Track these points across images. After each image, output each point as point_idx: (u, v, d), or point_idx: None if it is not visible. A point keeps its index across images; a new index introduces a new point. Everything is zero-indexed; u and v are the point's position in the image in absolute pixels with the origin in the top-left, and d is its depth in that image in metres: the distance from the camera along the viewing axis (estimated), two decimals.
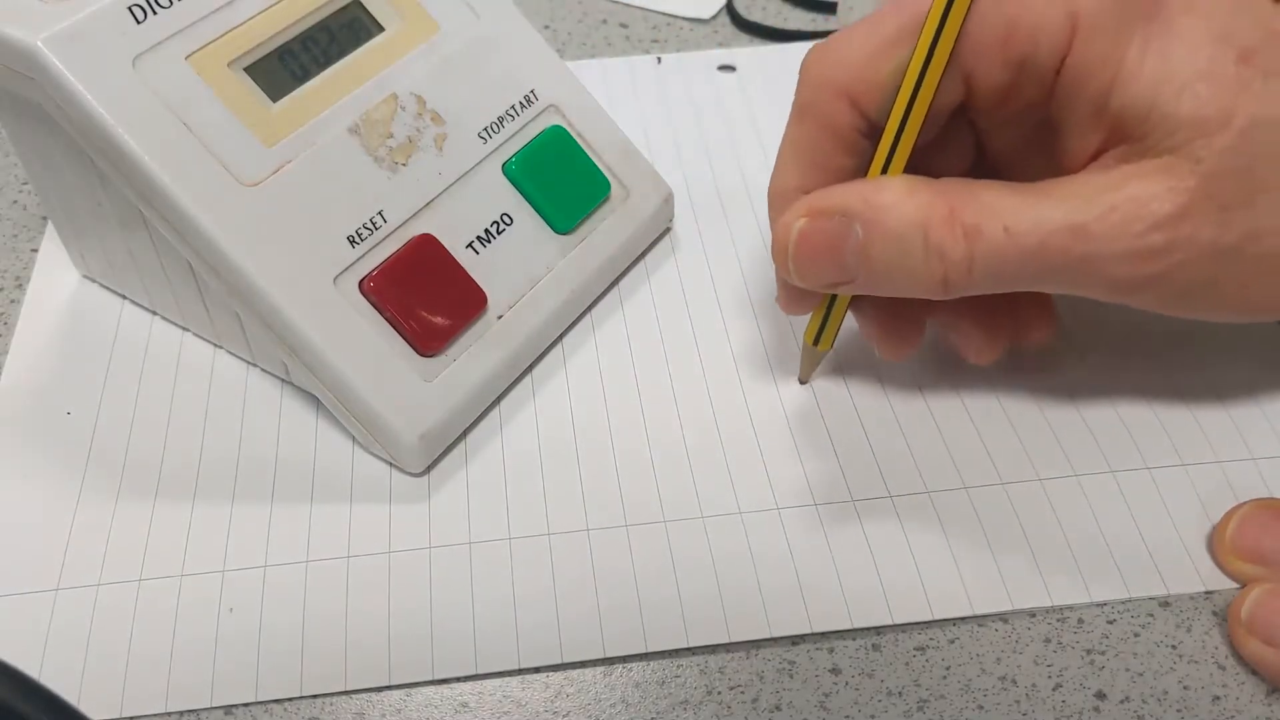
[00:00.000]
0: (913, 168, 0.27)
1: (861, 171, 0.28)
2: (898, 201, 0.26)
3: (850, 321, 0.31)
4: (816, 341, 0.30)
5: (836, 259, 0.26)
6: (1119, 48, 0.25)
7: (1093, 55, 0.25)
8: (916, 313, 0.30)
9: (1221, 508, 0.28)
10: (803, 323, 0.34)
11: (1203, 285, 0.25)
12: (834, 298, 0.29)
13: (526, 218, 0.33)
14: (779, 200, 0.29)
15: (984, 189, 0.25)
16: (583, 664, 0.26)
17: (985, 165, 0.30)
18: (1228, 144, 0.24)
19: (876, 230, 0.26)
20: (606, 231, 0.34)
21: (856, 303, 0.30)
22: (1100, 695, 0.25)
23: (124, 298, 0.35)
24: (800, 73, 0.28)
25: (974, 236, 0.25)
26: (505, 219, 0.32)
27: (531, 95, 0.34)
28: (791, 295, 0.30)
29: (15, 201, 0.40)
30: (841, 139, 0.28)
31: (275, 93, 0.30)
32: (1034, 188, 0.25)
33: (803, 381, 0.32)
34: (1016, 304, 0.30)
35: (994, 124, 0.29)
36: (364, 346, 0.29)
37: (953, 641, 0.27)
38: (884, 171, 0.27)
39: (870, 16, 0.28)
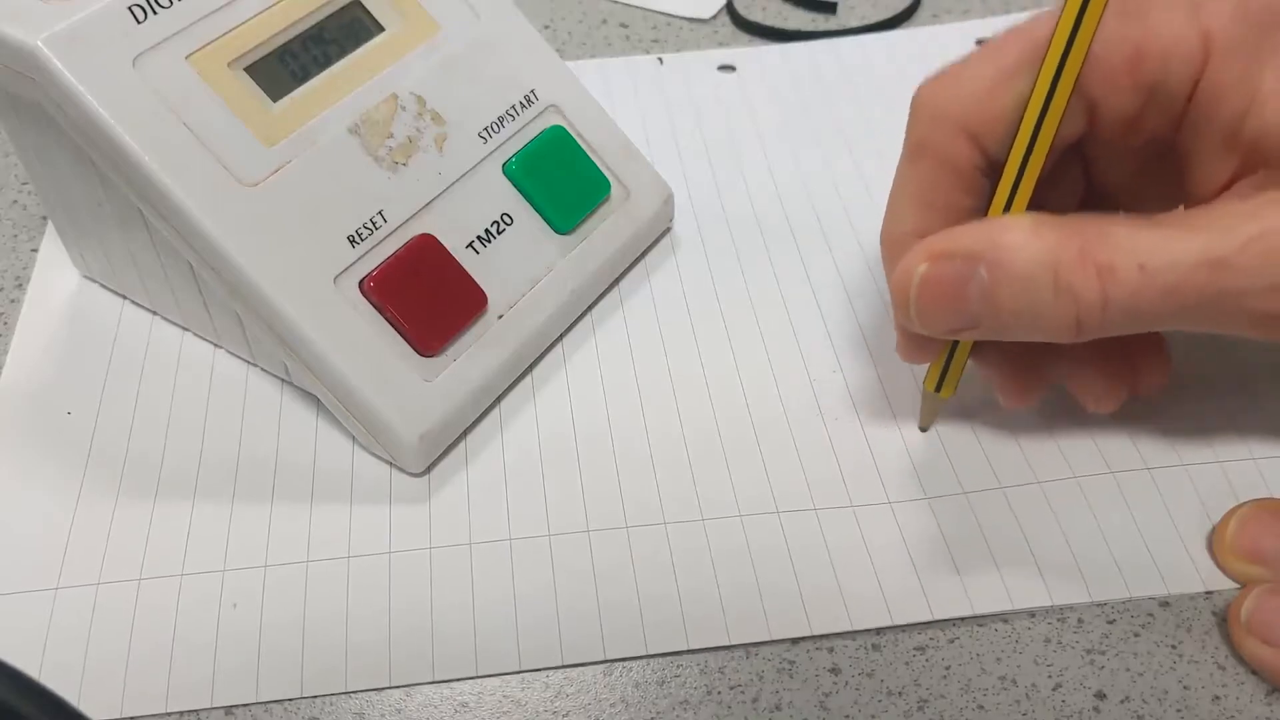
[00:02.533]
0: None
1: (981, 212, 0.27)
2: (1024, 241, 0.24)
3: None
4: (938, 388, 0.29)
5: (961, 304, 0.25)
6: (1254, 71, 0.24)
7: (1227, 79, 0.24)
8: (1040, 357, 0.29)
9: (1221, 508, 0.28)
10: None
11: None
12: (956, 343, 0.28)
13: (526, 218, 0.33)
14: (894, 246, 0.28)
15: (1115, 225, 0.24)
16: (583, 664, 0.26)
17: (1095, 200, 0.29)
18: None
19: (1003, 272, 0.24)
20: (606, 231, 0.34)
21: (978, 349, 0.29)
22: (1100, 695, 0.25)
23: (124, 298, 0.35)
24: (912, 109, 0.27)
25: (1108, 276, 0.23)
26: (505, 219, 0.32)
27: (532, 95, 0.34)
28: (912, 343, 0.29)
29: (15, 201, 0.40)
30: (960, 177, 0.27)
31: (275, 93, 0.30)
32: (1167, 220, 0.24)
33: (923, 429, 0.31)
34: (1130, 348, 0.28)
35: (1110, 156, 0.28)
36: (364, 346, 0.29)
37: (953, 641, 0.27)
38: (1006, 210, 0.26)
39: (987, 46, 0.27)
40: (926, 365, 0.29)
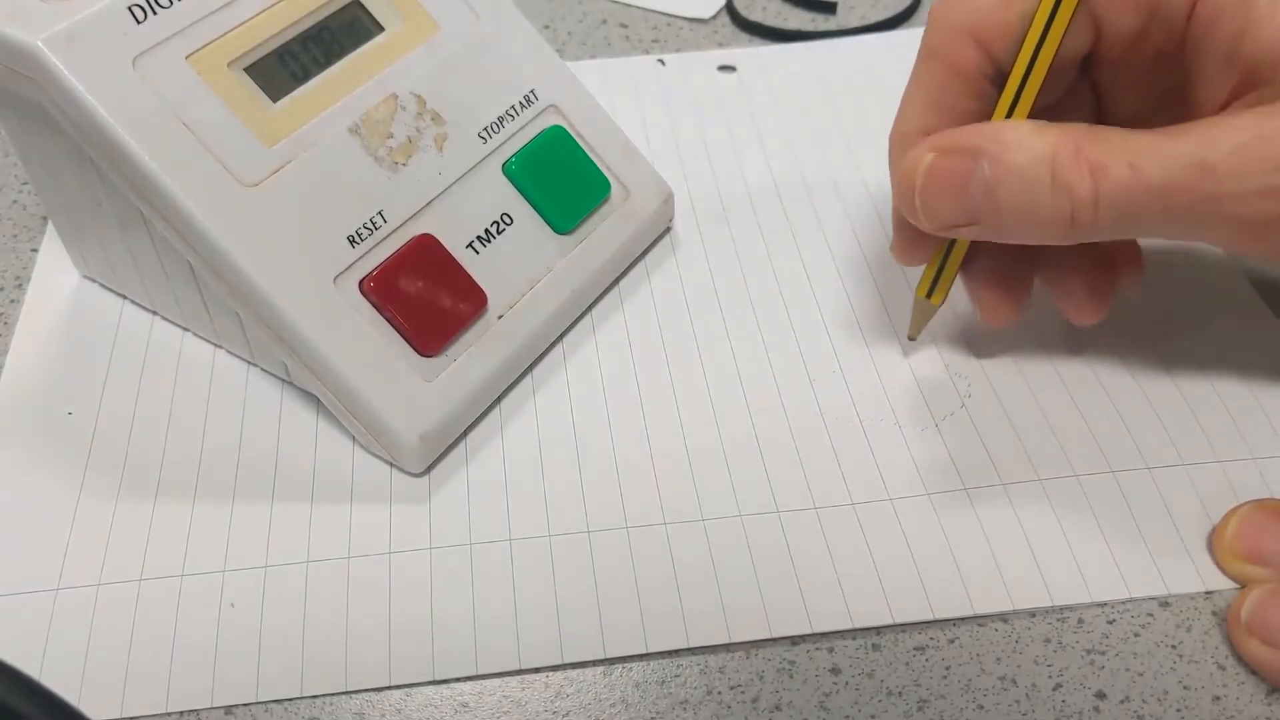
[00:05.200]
0: None
1: (986, 116, 0.28)
2: (1025, 139, 0.25)
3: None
4: (930, 294, 0.30)
5: (962, 196, 0.26)
6: None
7: (1223, 1, 0.25)
8: (1025, 270, 0.30)
9: (1221, 508, 0.28)
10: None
11: None
12: (950, 248, 0.30)
13: (526, 218, 0.33)
14: (902, 142, 0.29)
15: (1110, 130, 0.25)
16: (583, 664, 0.26)
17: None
18: None
19: (1003, 167, 0.26)
20: (606, 231, 0.34)
21: (966, 261, 0.30)
22: (1100, 695, 0.25)
23: (124, 298, 0.35)
24: (929, 16, 0.29)
25: (1100, 173, 0.25)
26: (505, 219, 0.32)
27: (531, 95, 0.34)
28: (907, 243, 0.30)
29: (15, 201, 0.40)
30: (968, 82, 0.28)
31: (275, 93, 0.30)
32: (1161, 130, 0.25)
33: (912, 338, 0.32)
34: (1110, 256, 0.30)
35: (1119, 83, 0.29)
36: (364, 346, 0.29)
37: (953, 641, 0.27)
38: (1010, 115, 0.28)
39: None
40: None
